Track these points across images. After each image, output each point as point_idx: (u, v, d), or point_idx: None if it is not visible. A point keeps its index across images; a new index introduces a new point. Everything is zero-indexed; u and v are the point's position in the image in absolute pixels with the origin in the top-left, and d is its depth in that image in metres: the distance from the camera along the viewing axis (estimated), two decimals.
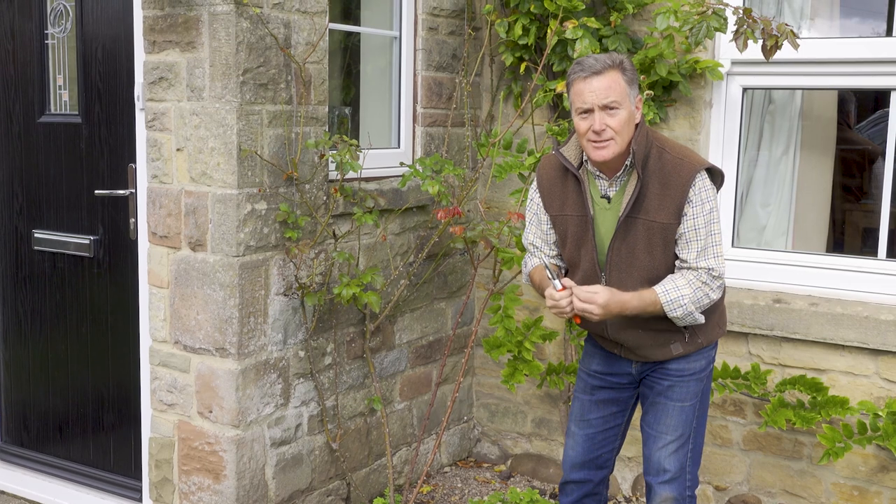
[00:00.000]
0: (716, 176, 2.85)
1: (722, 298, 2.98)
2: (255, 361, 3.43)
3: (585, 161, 2.87)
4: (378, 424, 4.06)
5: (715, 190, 2.82)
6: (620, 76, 2.72)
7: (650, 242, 2.79)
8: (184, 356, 3.49)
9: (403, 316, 4.14)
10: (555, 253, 3.03)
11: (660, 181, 2.75)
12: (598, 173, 2.85)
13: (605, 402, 3.11)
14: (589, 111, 2.72)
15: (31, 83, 3.97)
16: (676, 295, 2.76)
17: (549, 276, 2.83)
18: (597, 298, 2.74)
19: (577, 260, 2.92)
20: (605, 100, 2.70)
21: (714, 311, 2.94)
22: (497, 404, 4.62)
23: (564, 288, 2.80)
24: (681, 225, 2.77)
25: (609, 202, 2.84)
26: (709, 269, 2.78)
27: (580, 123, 2.74)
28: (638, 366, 3.02)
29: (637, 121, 2.79)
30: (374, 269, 3.68)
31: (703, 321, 2.85)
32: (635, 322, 2.86)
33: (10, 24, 3.99)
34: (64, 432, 4.07)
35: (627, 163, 2.79)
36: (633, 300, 2.78)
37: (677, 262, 2.83)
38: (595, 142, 2.73)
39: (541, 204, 2.98)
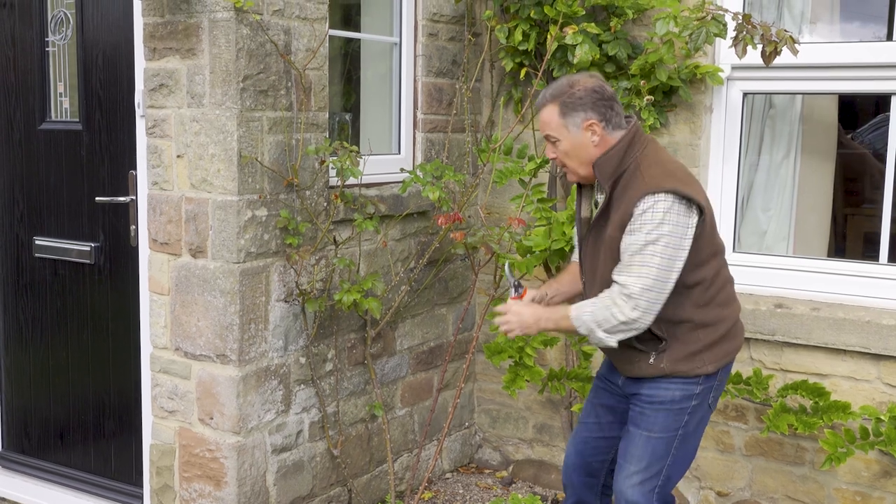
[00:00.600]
0: (689, 201, 2.71)
1: (708, 334, 2.85)
2: (255, 368, 3.43)
3: None
4: (379, 431, 4.05)
5: (673, 215, 2.67)
6: (556, 109, 2.81)
7: (606, 254, 2.81)
8: (184, 363, 3.48)
9: (404, 322, 4.14)
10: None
11: (621, 196, 2.77)
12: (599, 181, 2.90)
13: (602, 406, 3.11)
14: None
15: (32, 90, 3.97)
16: (581, 311, 2.78)
17: (509, 277, 3.06)
18: (509, 308, 2.94)
19: (580, 260, 3.03)
20: (545, 131, 2.89)
21: (689, 341, 2.83)
22: (498, 410, 4.62)
23: (520, 297, 3.02)
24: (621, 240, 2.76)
25: (596, 209, 2.91)
26: (623, 285, 2.70)
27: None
28: (622, 380, 3.01)
29: (592, 141, 2.80)
30: (374, 275, 3.68)
31: (613, 344, 2.76)
32: None
33: (11, 31, 4.00)
34: (65, 439, 4.07)
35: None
36: (546, 312, 2.93)
37: None
38: (560, 167, 2.93)
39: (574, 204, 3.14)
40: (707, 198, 2.80)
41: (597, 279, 2.87)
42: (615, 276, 2.74)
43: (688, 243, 2.71)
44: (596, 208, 2.90)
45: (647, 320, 2.72)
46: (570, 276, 3.16)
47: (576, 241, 3.15)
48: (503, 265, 3.24)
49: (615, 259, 2.77)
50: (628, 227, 2.71)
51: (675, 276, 2.71)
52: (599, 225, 2.84)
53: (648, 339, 2.83)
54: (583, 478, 3.16)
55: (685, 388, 2.87)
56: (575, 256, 3.21)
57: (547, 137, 2.87)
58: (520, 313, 2.93)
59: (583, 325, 2.77)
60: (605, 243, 2.80)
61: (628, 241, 2.71)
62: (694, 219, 2.73)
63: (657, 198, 2.68)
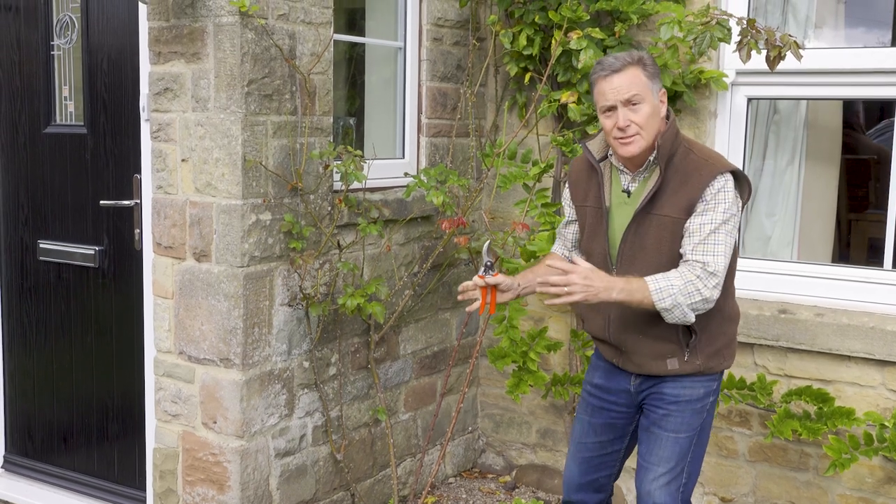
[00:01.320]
0: (742, 185, 2.80)
1: (731, 327, 2.92)
2: (259, 372, 3.43)
3: (610, 155, 2.91)
4: (382, 435, 4.05)
5: (736, 197, 2.76)
6: (641, 71, 2.74)
7: (659, 238, 2.77)
8: (188, 367, 3.48)
9: (408, 326, 4.13)
10: (569, 245, 3.12)
11: (680, 179, 2.76)
12: (622, 168, 2.87)
13: (602, 426, 3.07)
14: (612, 109, 2.76)
15: (37, 94, 3.98)
16: (665, 284, 2.66)
17: (485, 256, 2.90)
18: (576, 269, 2.64)
19: (590, 251, 2.96)
20: (626, 94, 2.73)
21: (717, 335, 2.86)
22: (502, 415, 4.61)
23: (483, 278, 2.87)
24: (688, 220, 2.73)
25: (629, 196, 2.86)
26: (704, 263, 2.68)
27: (605, 122, 2.79)
28: (636, 382, 2.96)
29: (663, 115, 2.80)
30: (378, 279, 3.68)
31: (692, 320, 2.71)
32: (636, 325, 2.84)
33: (17, 35, 4.01)
34: (68, 443, 4.07)
35: (651, 158, 2.80)
36: (619, 281, 2.67)
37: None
38: (621, 138, 2.76)
39: (568, 194, 3.07)
40: None
41: (641, 266, 2.76)
42: (691, 255, 2.70)
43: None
44: (629, 196, 2.85)
45: (717, 300, 2.74)
46: (546, 270, 2.89)
47: (579, 231, 3.04)
48: (483, 242, 3.14)
49: (674, 242, 2.75)
50: (700, 207, 2.72)
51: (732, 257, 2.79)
52: (649, 209, 2.78)
53: (682, 332, 2.81)
54: (590, 494, 3.14)
55: (707, 384, 2.90)
56: (556, 248, 3.16)
57: (629, 101, 2.71)
58: (590, 277, 2.63)
59: (668, 297, 2.65)
60: (662, 226, 2.76)
61: (701, 221, 2.71)
62: (740, 202, 2.81)
63: (727, 178, 2.74)
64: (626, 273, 2.78)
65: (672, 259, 2.77)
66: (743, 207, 2.85)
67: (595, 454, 3.10)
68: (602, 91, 2.77)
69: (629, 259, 2.83)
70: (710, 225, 2.70)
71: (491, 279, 2.87)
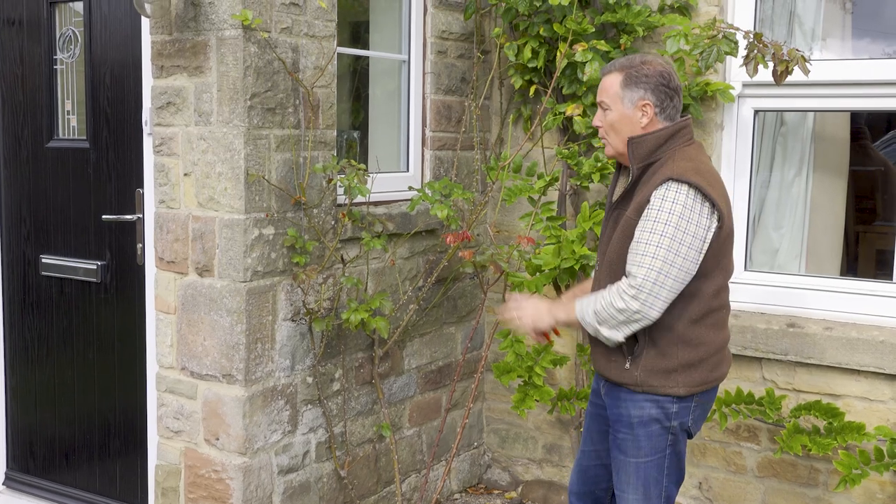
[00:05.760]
0: (710, 200, 2.64)
1: (688, 353, 2.73)
2: (262, 388, 3.39)
3: None
4: (387, 451, 4.01)
5: (689, 210, 2.60)
6: (618, 79, 2.78)
7: (620, 235, 2.75)
8: (190, 382, 3.45)
9: (412, 341, 4.10)
10: None
11: (645, 181, 2.73)
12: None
13: (598, 434, 3.03)
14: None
15: (40, 108, 3.97)
16: (585, 309, 2.75)
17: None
18: (516, 301, 2.94)
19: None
20: (598, 98, 2.86)
21: (667, 355, 2.72)
22: (507, 430, 4.57)
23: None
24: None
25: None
26: (628, 273, 2.63)
27: None
28: (603, 389, 2.92)
29: (643, 124, 2.76)
30: (382, 293, 3.66)
31: (621, 339, 2.68)
32: None
33: (20, 49, 4.00)
34: (70, 459, 4.04)
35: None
36: (558, 309, 2.88)
37: None
38: (600, 137, 2.92)
39: None
40: (731, 212, 2.74)
41: (605, 260, 2.82)
42: (627, 266, 2.66)
43: (702, 246, 2.64)
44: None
45: (650, 314, 2.62)
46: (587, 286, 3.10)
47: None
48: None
49: (627, 241, 2.71)
50: (644, 213, 2.66)
51: (683, 274, 2.62)
52: (620, 207, 2.79)
53: (627, 338, 2.73)
54: None
55: (661, 406, 2.77)
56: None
57: (600, 104, 2.84)
58: (528, 305, 2.92)
59: (587, 323, 2.75)
60: (621, 225, 2.75)
61: (641, 226, 2.65)
62: (713, 224, 2.65)
63: (678, 187, 2.62)
64: (598, 267, 2.90)
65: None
66: (721, 228, 2.67)
67: (591, 463, 3.07)
68: None
69: (601, 254, 2.88)
70: (647, 234, 2.62)
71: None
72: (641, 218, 2.66)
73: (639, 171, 2.74)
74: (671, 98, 2.76)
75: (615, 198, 2.86)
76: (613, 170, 3.77)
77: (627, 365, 2.77)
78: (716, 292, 2.75)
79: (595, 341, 2.88)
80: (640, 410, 2.78)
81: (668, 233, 2.60)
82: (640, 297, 2.61)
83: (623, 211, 2.78)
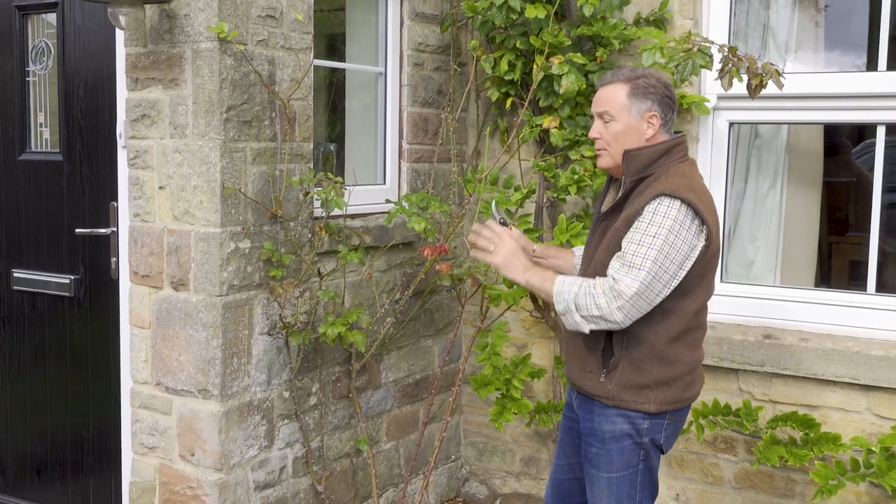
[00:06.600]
0: (701, 218, 2.65)
1: (664, 370, 2.72)
2: (238, 403, 3.36)
3: None
4: (364, 465, 3.98)
5: (679, 225, 2.60)
6: (625, 89, 2.74)
7: (607, 247, 2.74)
8: (165, 398, 3.41)
9: (390, 354, 4.08)
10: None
11: (636, 194, 2.72)
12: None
13: (571, 447, 3.02)
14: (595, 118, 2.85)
15: (12, 121, 3.92)
16: (567, 287, 2.67)
17: (495, 214, 2.98)
18: (501, 236, 2.81)
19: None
20: (600, 109, 2.80)
21: (642, 370, 2.71)
22: (485, 443, 4.56)
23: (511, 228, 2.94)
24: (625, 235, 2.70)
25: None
26: (616, 280, 2.59)
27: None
28: (576, 401, 2.92)
29: (647, 136, 2.75)
30: (359, 307, 3.64)
31: (585, 330, 2.66)
32: (574, 333, 2.79)
33: None
34: (42, 476, 3.98)
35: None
36: (523, 268, 2.78)
37: None
38: (596, 149, 2.85)
39: None
40: (719, 231, 2.74)
41: (590, 269, 2.80)
42: (611, 270, 2.64)
43: (687, 263, 2.63)
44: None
45: (624, 322, 2.63)
46: (563, 255, 3.14)
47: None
48: (490, 201, 3.12)
49: (613, 252, 2.70)
50: (634, 224, 2.64)
51: (665, 289, 2.62)
52: (609, 219, 2.78)
53: (604, 349, 2.74)
54: None
55: (632, 421, 2.76)
56: (578, 251, 3.17)
57: (601, 115, 2.78)
58: (507, 246, 2.81)
59: (562, 301, 2.67)
60: (608, 237, 2.74)
61: (629, 238, 2.63)
62: (701, 242, 2.66)
63: (671, 203, 2.62)
64: (582, 274, 2.87)
65: None
66: (708, 247, 2.68)
67: (565, 476, 3.06)
68: (594, 100, 2.86)
69: (585, 264, 2.85)
70: (633, 245, 2.61)
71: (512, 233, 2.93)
72: (630, 229, 2.66)
73: (631, 184, 2.73)
74: (672, 110, 2.79)
75: (604, 209, 2.85)
76: (590, 182, 3.79)
77: (602, 378, 2.76)
78: (696, 311, 2.75)
79: (571, 351, 2.88)
80: (612, 425, 2.77)
81: (656, 245, 2.59)
82: (624, 310, 2.60)
83: (611, 222, 2.77)
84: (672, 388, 2.75)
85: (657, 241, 2.59)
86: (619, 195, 2.77)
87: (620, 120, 2.75)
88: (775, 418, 3.64)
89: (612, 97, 2.76)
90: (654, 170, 2.72)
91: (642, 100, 2.74)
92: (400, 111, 4.13)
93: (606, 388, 2.75)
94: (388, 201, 3.90)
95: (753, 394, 3.82)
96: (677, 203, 2.62)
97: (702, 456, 3.95)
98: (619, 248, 2.68)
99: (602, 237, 2.80)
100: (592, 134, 2.82)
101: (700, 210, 2.63)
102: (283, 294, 3.37)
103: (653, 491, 2.87)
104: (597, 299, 2.62)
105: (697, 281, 2.72)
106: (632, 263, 2.59)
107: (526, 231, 3.83)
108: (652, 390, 2.73)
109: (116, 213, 3.59)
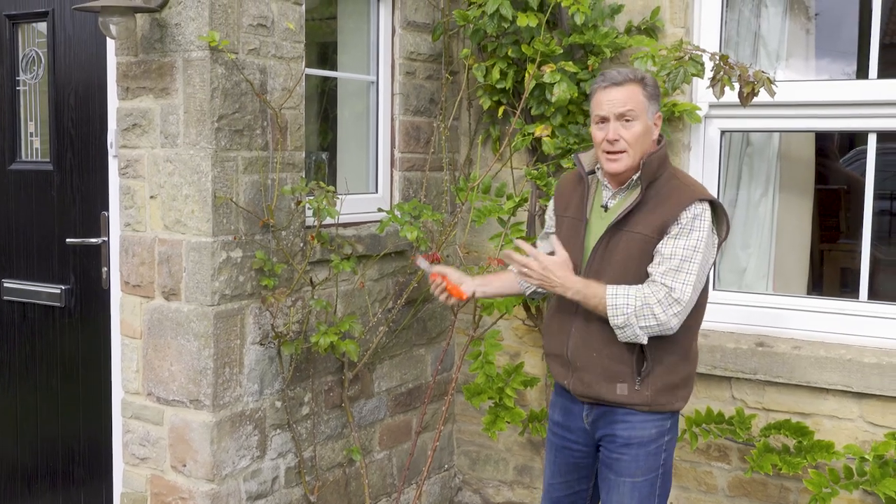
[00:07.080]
0: (720, 219, 2.76)
1: (688, 367, 2.81)
2: (230, 413, 3.34)
3: (597, 169, 2.88)
4: (357, 475, 3.97)
5: (713, 231, 2.72)
6: (640, 90, 2.73)
7: (628, 255, 2.72)
8: (157, 408, 3.40)
9: (382, 363, 4.07)
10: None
11: (658, 200, 2.72)
12: (605, 183, 2.84)
13: (566, 466, 3.01)
14: (605, 120, 2.74)
15: (2, 130, 3.90)
16: (623, 301, 2.64)
17: (423, 265, 3.07)
18: (538, 256, 2.73)
19: None
20: (621, 109, 2.71)
21: (673, 371, 2.77)
22: (478, 452, 4.54)
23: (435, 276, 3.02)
24: (661, 242, 2.69)
25: (605, 211, 2.83)
26: (670, 288, 2.63)
27: (596, 133, 2.77)
28: (589, 416, 2.88)
29: (655, 137, 2.79)
30: (352, 316, 3.63)
31: (644, 341, 2.67)
32: (593, 345, 2.77)
33: None
34: (32, 487, 3.95)
35: (634, 177, 2.77)
36: (578, 283, 2.70)
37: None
38: (609, 153, 2.75)
39: (552, 205, 3.04)
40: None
41: (606, 281, 2.72)
42: (660, 278, 2.64)
43: (713, 261, 2.74)
44: (605, 211, 2.82)
45: (677, 329, 2.68)
46: (503, 277, 3.11)
47: (546, 241, 3.02)
48: (414, 256, 3.23)
49: (642, 260, 2.70)
50: (674, 230, 2.67)
51: (700, 292, 2.73)
52: (621, 225, 2.74)
53: (637, 358, 2.73)
54: None
55: (659, 423, 2.80)
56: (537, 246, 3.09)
57: (622, 115, 2.70)
58: (548, 269, 2.70)
59: (621, 315, 2.64)
60: (633, 244, 2.71)
61: (674, 245, 2.65)
62: (717, 238, 2.77)
63: (704, 206, 2.70)
64: None
65: (638, 278, 2.73)
66: (720, 245, 2.81)
67: (563, 494, 3.05)
68: (599, 101, 2.76)
69: (595, 273, 2.78)
70: (682, 251, 2.66)
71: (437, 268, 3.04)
72: (668, 235, 2.68)
73: (645, 188, 2.74)
74: None
75: (616, 217, 2.75)
76: None
77: (637, 385, 2.76)
78: (703, 304, 2.83)
79: (586, 365, 2.80)
80: (643, 431, 2.80)
81: (700, 248, 2.67)
82: (680, 315, 2.67)
83: (627, 231, 2.73)
84: (691, 382, 2.85)
85: (700, 244, 2.66)
86: (634, 201, 2.73)
87: (641, 121, 2.73)
88: (768, 426, 3.64)
89: (634, 97, 2.72)
90: (662, 171, 2.77)
91: (654, 101, 2.77)
92: (392, 120, 4.13)
93: (643, 394, 2.76)
94: (380, 210, 3.89)
95: (746, 402, 3.82)
96: (707, 206, 2.71)
97: (695, 464, 3.94)
98: (650, 257, 2.70)
99: (616, 247, 2.75)
100: (611, 136, 2.71)
101: (721, 207, 2.75)
102: (275, 303, 3.36)
103: (668, 490, 2.91)
104: (653, 309, 2.64)
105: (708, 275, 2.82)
106: (681, 269, 2.65)
107: (518, 239, 3.82)
108: (680, 388, 2.81)
109: (107, 223, 3.57)
